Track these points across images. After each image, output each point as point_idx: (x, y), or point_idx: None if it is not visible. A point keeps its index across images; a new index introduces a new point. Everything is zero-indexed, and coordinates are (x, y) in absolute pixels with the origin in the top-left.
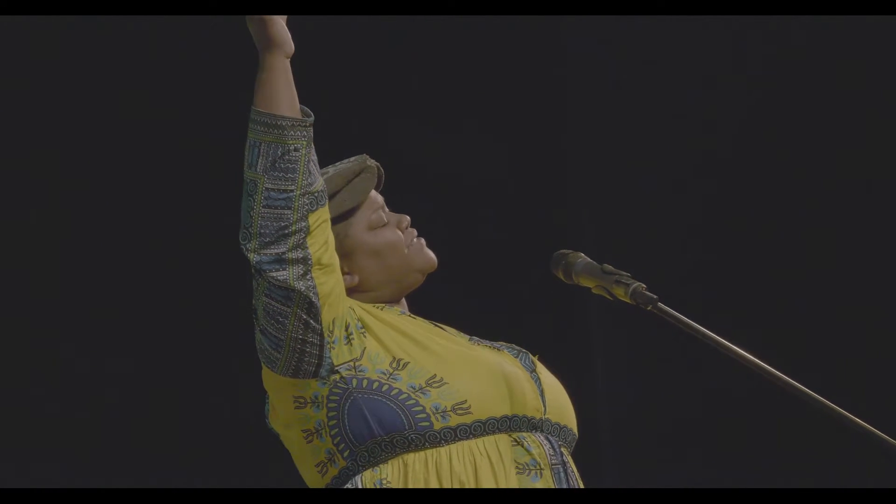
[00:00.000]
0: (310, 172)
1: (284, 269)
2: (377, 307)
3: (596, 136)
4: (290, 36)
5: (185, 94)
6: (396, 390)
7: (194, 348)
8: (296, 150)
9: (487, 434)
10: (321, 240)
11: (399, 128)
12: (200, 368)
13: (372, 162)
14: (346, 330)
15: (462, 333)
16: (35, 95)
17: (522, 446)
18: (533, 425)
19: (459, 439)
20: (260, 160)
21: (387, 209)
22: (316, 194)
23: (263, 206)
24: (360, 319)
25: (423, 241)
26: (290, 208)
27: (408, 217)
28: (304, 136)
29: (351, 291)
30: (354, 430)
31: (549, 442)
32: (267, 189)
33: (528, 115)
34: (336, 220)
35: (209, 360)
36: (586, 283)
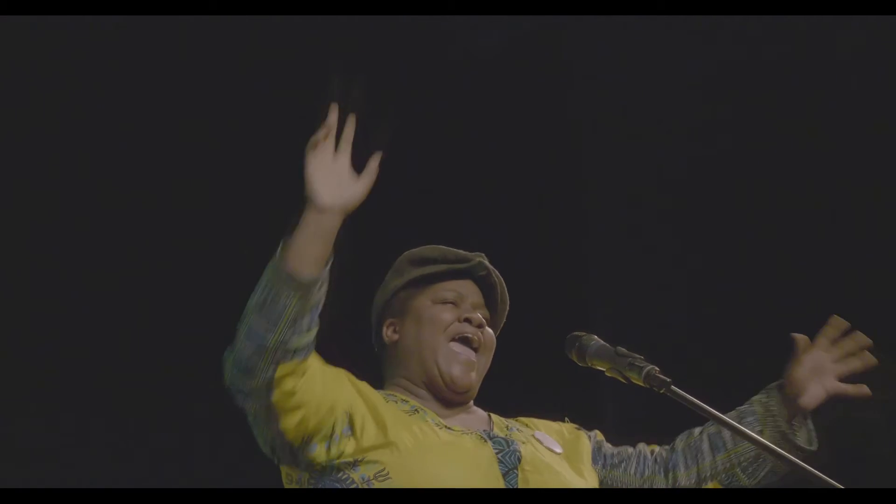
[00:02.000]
0: (293, 330)
1: (248, 401)
2: (391, 399)
3: (613, 234)
4: (325, 196)
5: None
6: (350, 479)
7: (195, 349)
8: (285, 302)
9: None
10: (286, 388)
11: (415, 218)
12: (201, 369)
13: (484, 261)
14: (331, 437)
15: (466, 429)
16: None
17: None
18: None
19: None
20: (257, 293)
21: (478, 309)
22: (294, 351)
23: (245, 337)
24: (350, 422)
25: (473, 360)
26: (259, 355)
27: (478, 317)
28: (296, 294)
29: (390, 352)
30: None
31: None
32: (251, 323)
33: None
34: (416, 283)
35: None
36: (600, 365)
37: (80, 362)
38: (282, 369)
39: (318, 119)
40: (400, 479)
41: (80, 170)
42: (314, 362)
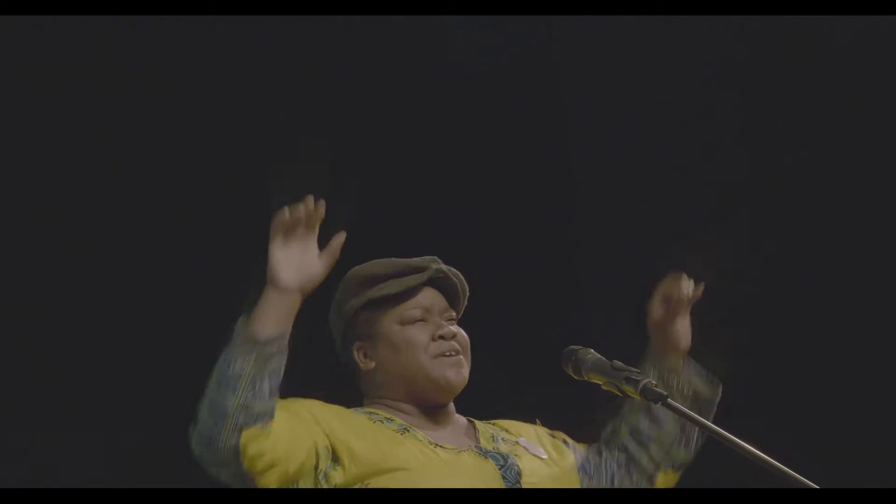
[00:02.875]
0: (253, 393)
1: (220, 473)
2: (374, 418)
3: (606, 236)
4: (287, 276)
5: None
6: None
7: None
8: (242, 365)
9: None
10: (253, 453)
11: (407, 222)
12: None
13: (441, 267)
14: (318, 475)
15: (459, 446)
16: None
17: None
18: None
19: None
20: (215, 372)
21: (446, 319)
22: (256, 416)
23: (207, 412)
24: (333, 455)
25: (461, 360)
26: (222, 423)
27: (455, 331)
28: (253, 354)
29: (366, 377)
30: None
31: None
32: (212, 398)
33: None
34: (373, 305)
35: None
36: (596, 379)
37: (78, 362)
38: (245, 435)
39: (316, 123)
40: None
41: (79, 169)
42: (277, 418)
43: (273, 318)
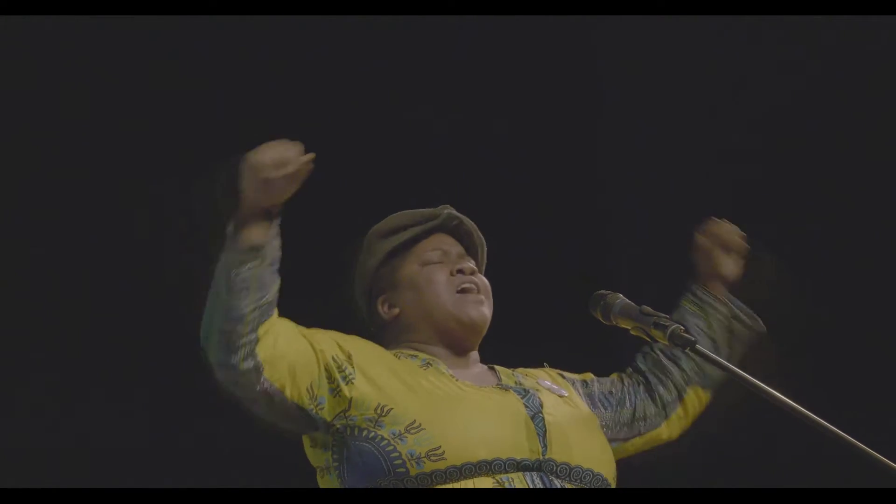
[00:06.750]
0: (261, 290)
1: (237, 378)
2: (397, 355)
3: (634, 180)
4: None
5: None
6: (380, 437)
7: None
8: (248, 272)
9: (465, 478)
10: (269, 342)
11: (437, 177)
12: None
13: (452, 212)
14: (331, 383)
15: (481, 384)
16: None
17: (505, 488)
18: (524, 466)
19: (436, 483)
20: (220, 285)
21: (463, 258)
22: (266, 305)
23: (221, 316)
24: (348, 365)
25: (480, 297)
26: (241, 322)
27: (473, 267)
28: (257, 258)
29: (392, 326)
30: (352, 476)
31: (545, 483)
32: (226, 304)
33: (565, 158)
34: (394, 253)
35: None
36: (624, 324)
37: (77, 362)
38: (262, 328)
39: (319, 121)
40: (433, 430)
41: (76, 170)
42: (281, 319)
43: (261, 227)
